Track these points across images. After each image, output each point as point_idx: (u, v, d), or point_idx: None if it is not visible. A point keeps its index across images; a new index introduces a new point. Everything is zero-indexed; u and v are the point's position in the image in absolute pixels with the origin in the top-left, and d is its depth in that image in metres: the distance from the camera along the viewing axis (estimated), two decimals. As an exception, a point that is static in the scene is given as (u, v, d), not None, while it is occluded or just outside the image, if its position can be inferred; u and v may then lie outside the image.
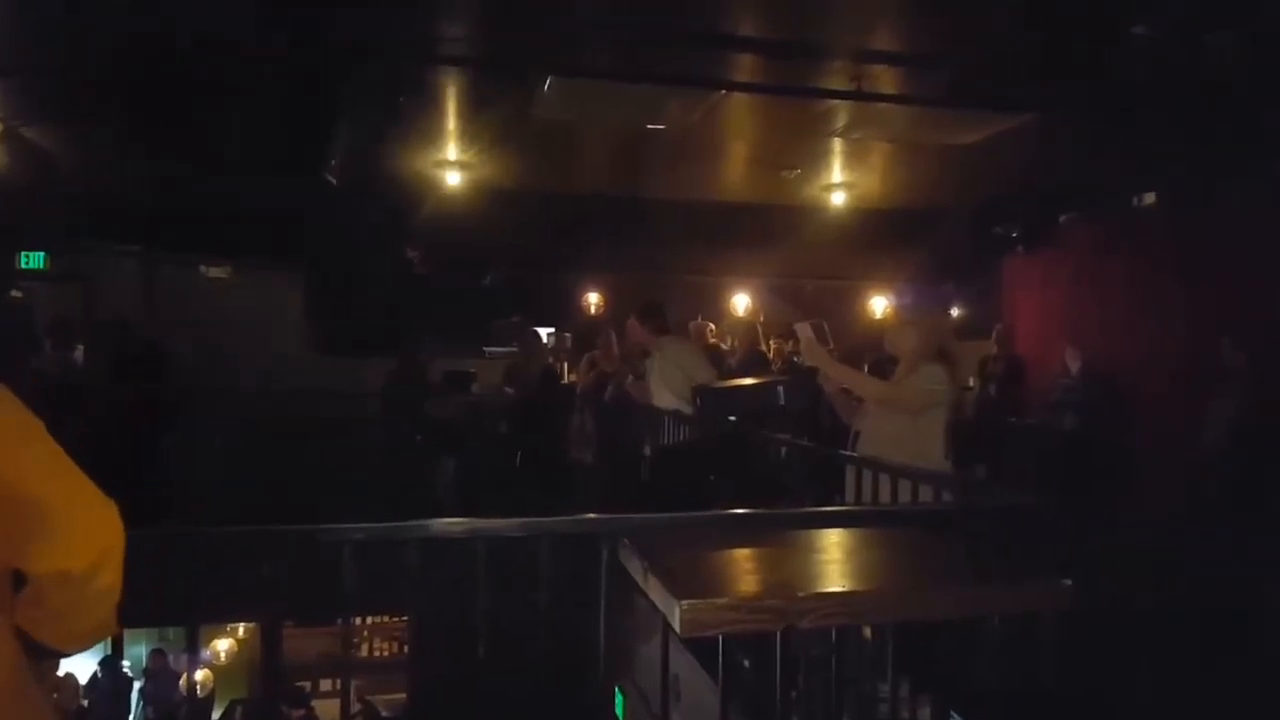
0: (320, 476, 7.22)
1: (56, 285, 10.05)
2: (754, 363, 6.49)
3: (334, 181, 6.00)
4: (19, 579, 1.47)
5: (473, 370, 7.72)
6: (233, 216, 9.22)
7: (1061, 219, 10.25)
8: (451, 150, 8.02)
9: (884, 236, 10.14)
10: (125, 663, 8.79)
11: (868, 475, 3.39)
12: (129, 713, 8.90)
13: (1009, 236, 10.48)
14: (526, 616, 2.53)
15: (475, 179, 8.53)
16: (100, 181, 9.03)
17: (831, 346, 3.77)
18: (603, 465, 6.45)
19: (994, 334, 9.32)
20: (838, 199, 9.30)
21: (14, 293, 10.10)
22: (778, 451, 3.98)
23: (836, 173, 8.87)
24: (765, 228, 9.87)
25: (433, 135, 7.50)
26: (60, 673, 8.55)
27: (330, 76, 5.77)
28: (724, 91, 6.44)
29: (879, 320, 10.72)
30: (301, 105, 5.95)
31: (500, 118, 7.08)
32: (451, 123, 7.19)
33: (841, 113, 6.97)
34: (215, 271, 10.53)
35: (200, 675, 8.24)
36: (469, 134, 7.48)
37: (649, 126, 7.28)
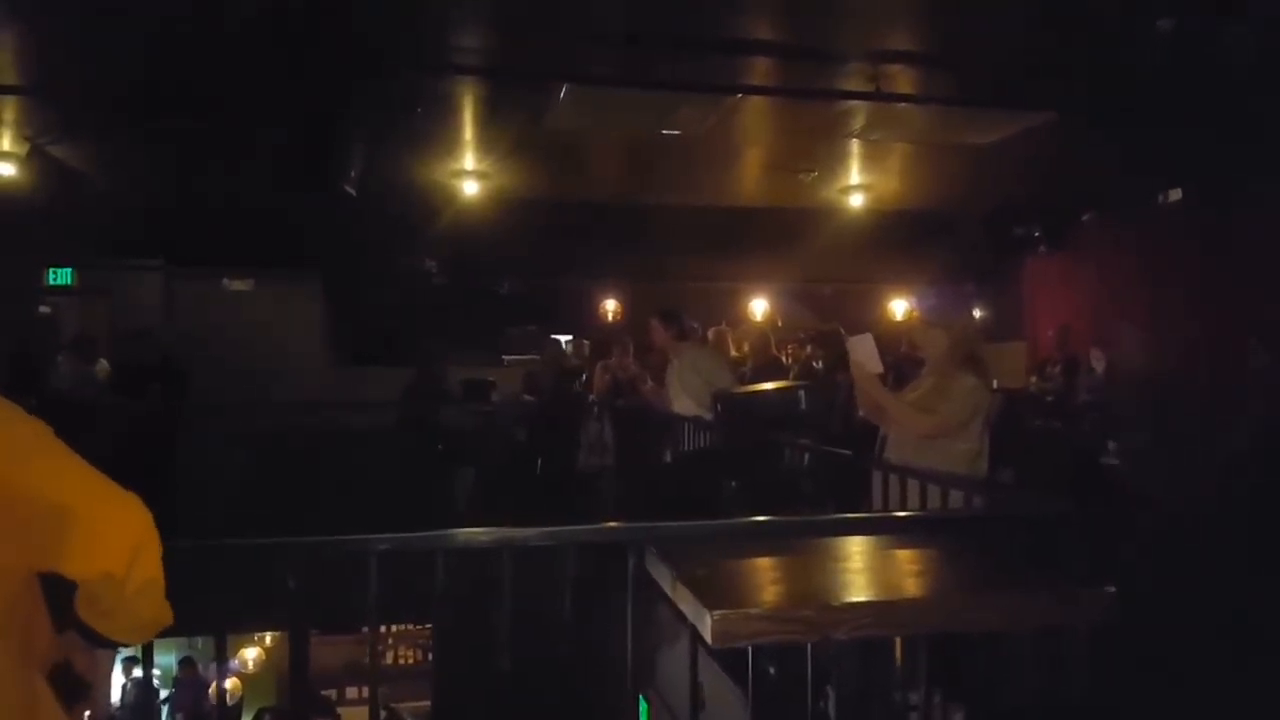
0: (340, 487, 7.23)
1: (83, 300, 10.16)
2: (769, 369, 6.44)
3: (353, 193, 6.01)
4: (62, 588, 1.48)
5: (492, 379, 7.71)
6: (253, 229, 9.30)
7: (1084, 218, 10.17)
8: (468, 160, 8.03)
9: (903, 238, 10.06)
10: (155, 672, 8.81)
11: (894, 480, 3.33)
12: (157, 721, 8.95)
13: (1030, 236, 10.40)
14: (551, 625, 2.51)
15: (492, 188, 8.53)
16: (124, 197, 9.10)
17: (881, 369, 3.66)
18: (622, 472, 6.42)
19: (1055, 334, 9.34)
20: (856, 201, 9.21)
21: (42, 308, 10.23)
22: (801, 457, 3.94)
23: (854, 174, 8.79)
24: (783, 231, 9.80)
25: (450, 146, 7.51)
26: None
27: (347, 88, 5.77)
28: (739, 95, 6.40)
29: (899, 323, 10.64)
30: (319, 118, 5.96)
31: (515, 127, 7.08)
32: (468, 133, 7.19)
33: (859, 114, 6.91)
34: (237, 284, 10.59)
35: (229, 684, 8.25)
36: (485, 144, 7.49)
37: (664, 133, 7.26)
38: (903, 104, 6.60)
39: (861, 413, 3.89)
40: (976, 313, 10.59)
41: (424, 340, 8.03)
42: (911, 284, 11.18)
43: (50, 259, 9.88)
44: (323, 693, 10.20)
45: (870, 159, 8.38)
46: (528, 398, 7.19)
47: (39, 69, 6.38)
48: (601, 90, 6.30)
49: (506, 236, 9.23)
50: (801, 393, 3.97)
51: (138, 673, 8.63)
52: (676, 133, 7.24)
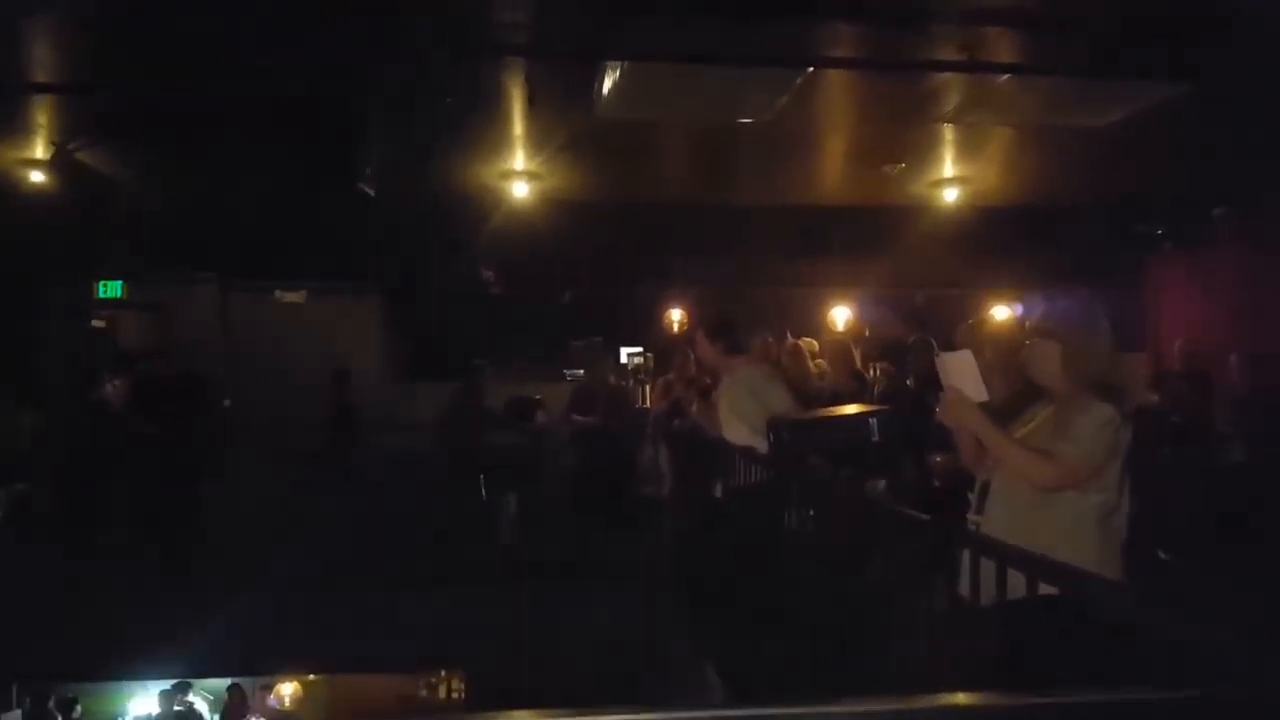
0: (375, 514, 6.70)
1: (135, 313, 9.98)
2: (849, 388, 5.59)
3: (371, 193, 5.50)
4: None
5: (538, 397, 7.09)
6: (306, 240, 8.97)
7: (1216, 212, 9.00)
8: (517, 159, 7.45)
9: (1006, 238, 9.18)
10: (207, 698, 8.45)
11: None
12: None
13: (1153, 234, 9.33)
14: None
15: (545, 190, 8.02)
16: (174, 208, 8.87)
17: (986, 397, 2.74)
18: (675, 504, 5.66)
19: (1176, 349, 8.11)
20: (950, 196, 8.45)
21: (95, 322, 10.09)
22: (864, 505, 3.08)
23: (948, 165, 8.01)
24: (867, 231, 9.06)
25: (494, 142, 6.97)
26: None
27: (366, 73, 5.22)
28: (811, 70, 5.58)
29: (1002, 334, 9.55)
30: (335, 106, 5.43)
31: (564, 118, 6.46)
32: (511, 126, 6.62)
33: (951, 92, 6.11)
34: (290, 297, 10.29)
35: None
36: (533, 139, 6.89)
37: (729, 121, 6.54)
38: (1003, 77, 5.71)
39: (941, 461, 2.98)
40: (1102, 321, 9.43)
41: (479, 354, 7.46)
42: (1016, 290, 10.10)
43: (100, 272, 9.65)
44: None
45: (966, 147, 7.57)
46: (576, 417, 6.50)
47: (72, 65, 6.05)
48: (656, 69, 5.59)
49: (566, 243, 8.66)
50: (873, 420, 3.12)
51: (191, 697, 8.26)
52: (745, 120, 6.50)
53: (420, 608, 6.09)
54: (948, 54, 5.36)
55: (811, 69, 5.59)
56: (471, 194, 8.08)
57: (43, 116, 6.76)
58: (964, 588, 2.50)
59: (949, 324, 9.24)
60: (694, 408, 4.81)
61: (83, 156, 7.30)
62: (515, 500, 6.67)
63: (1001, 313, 10.20)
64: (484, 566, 6.26)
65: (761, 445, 3.76)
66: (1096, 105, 6.25)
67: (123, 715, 8.54)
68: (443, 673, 8.37)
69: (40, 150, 7.14)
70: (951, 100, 6.21)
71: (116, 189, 8.30)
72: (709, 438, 4.65)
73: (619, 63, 5.55)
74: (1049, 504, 2.65)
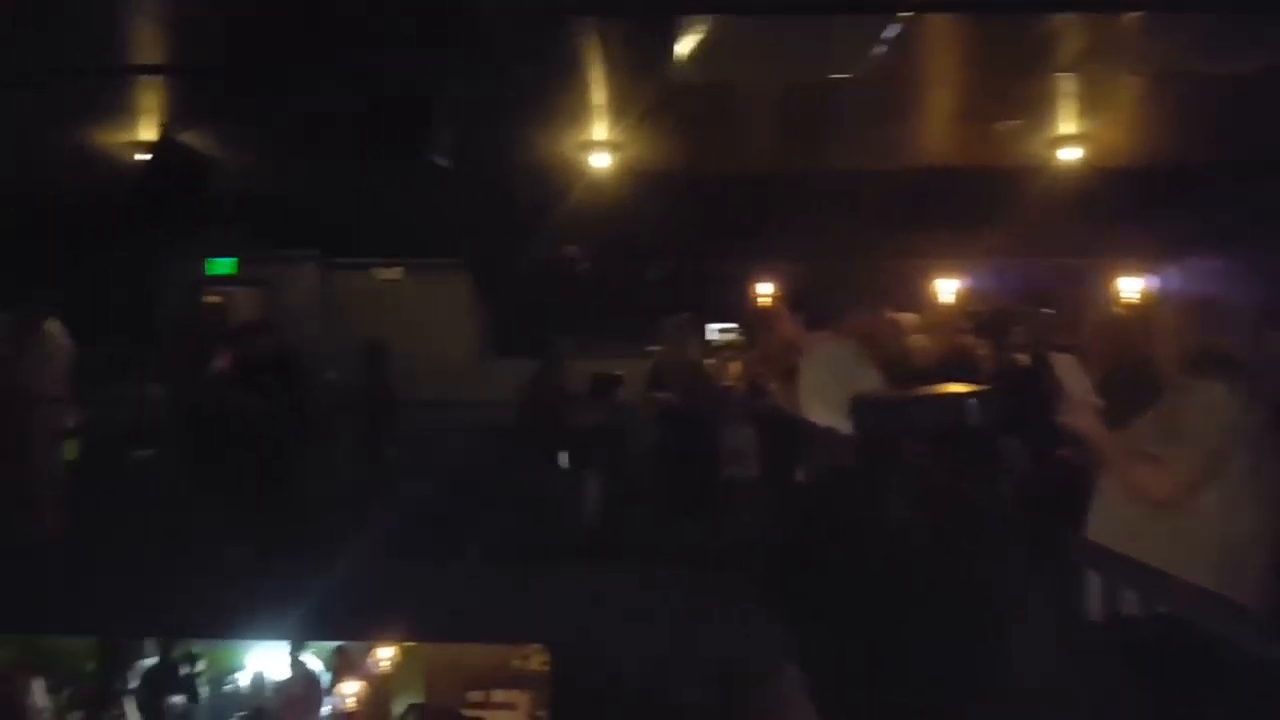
0: (460, 489, 6.62)
1: (244, 290, 10.23)
2: (954, 366, 5.11)
3: (446, 164, 5.35)
4: None
5: (620, 374, 6.83)
6: (399, 216, 8.96)
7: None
8: (596, 129, 7.19)
9: (1133, 201, 8.41)
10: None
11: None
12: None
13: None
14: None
15: (627, 161, 7.79)
16: (280, 186, 9.00)
17: (1097, 402, 2.33)
18: (759, 488, 5.32)
19: None
20: (1070, 155, 7.88)
21: (210, 297, 10.42)
22: (963, 495, 2.67)
23: (1068, 121, 7.45)
24: (977, 196, 8.41)
25: (569, 111, 6.74)
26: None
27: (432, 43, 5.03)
28: (909, 16, 5.09)
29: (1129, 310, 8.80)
30: (402, 79, 5.27)
31: (641, 83, 6.19)
32: (586, 93, 6.38)
33: (1071, 36, 5.55)
34: (387, 274, 10.34)
35: (355, 688, 7.93)
36: (610, 107, 6.63)
37: (817, 77, 6.09)
38: (1130, 15, 5.07)
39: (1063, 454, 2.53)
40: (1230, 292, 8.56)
41: (550, 332, 7.30)
42: (1145, 259, 9.29)
43: (212, 248, 9.90)
44: (469, 694, 9.99)
45: (1087, 100, 6.97)
46: (656, 395, 6.21)
47: (178, 46, 6.11)
48: (734, 22, 5.21)
49: (651, 216, 8.38)
50: (972, 402, 2.70)
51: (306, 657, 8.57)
52: (835, 75, 6.04)
53: (504, 581, 6.09)
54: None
55: (909, 13, 5.09)
56: (553, 166, 7.93)
57: (151, 98, 6.88)
58: (1071, 600, 2.09)
59: (1070, 297, 8.62)
60: (773, 386, 4.46)
61: (189, 137, 7.43)
62: (596, 478, 6.45)
63: (1128, 284, 9.40)
64: (564, 544, 6.15)
65: (844, 427, 3.38)
66: (1237, 49, 5.68)
67: (241, 668, 8.93)
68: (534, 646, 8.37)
69: (150, 132, 7.29)
70: (1072, 46, 5.69)
71: (222, 169, 8.47)
72: (791, 418, 4.29)
73: (694, 19, 5.19)
74: (1166, 522, 2.20)
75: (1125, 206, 8.55)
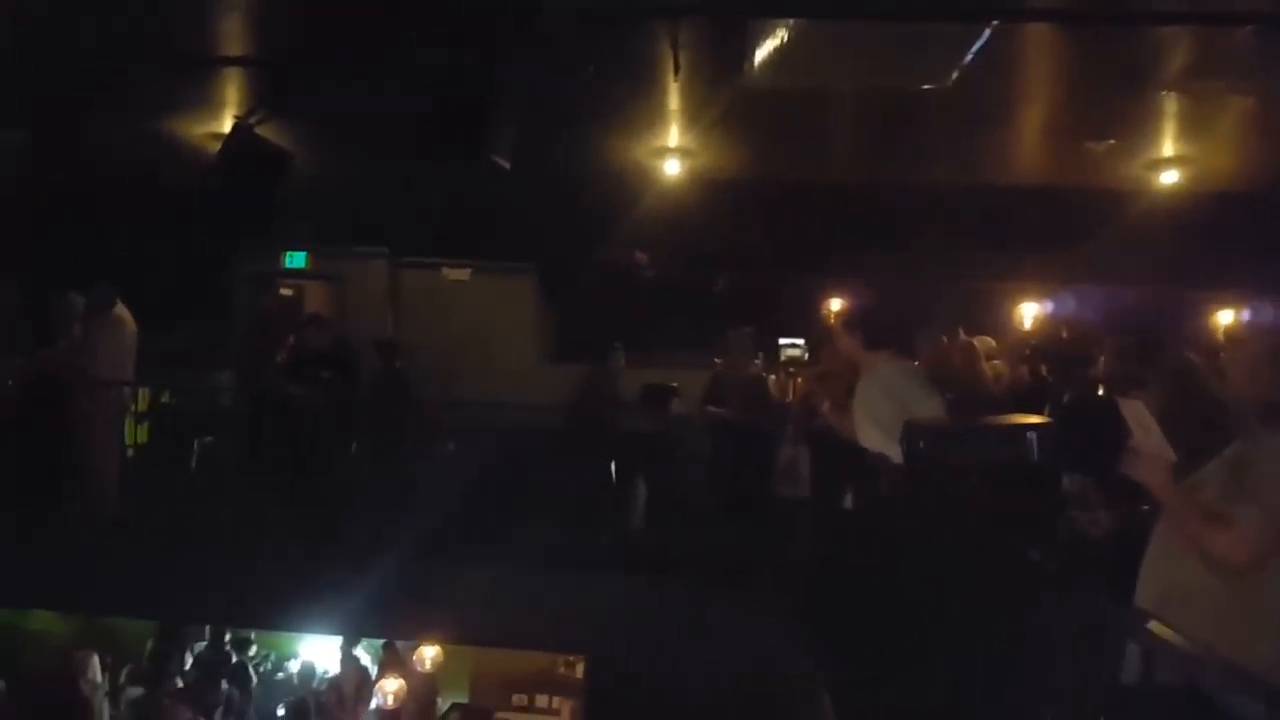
0: (508, 491, 6.58)
1: (317, 284, 10.41)
2: (1028, 395, 4.83)
3: (506, 165, 5.28)
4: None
5: (674, 385, 6.69)
6: (468, 216, 8.98)
7: None
8: (670, 135, 7.14)
9: (1236, 228, 7.91)
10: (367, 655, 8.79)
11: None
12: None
13: None
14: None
15: (699, 168, 7.65)
16: (351, 184, 9.11)
17: (1173, 456, 2.08)
18: (810, 509, 5.12)
19: None
20: (1169, 178, 7.49)
21: (283, 290, 10.60)
22: (1008, 549, 2.44)
23: (1168, 143, 7.05)
24: (1067, 218, 8.12)
25: (641, 116, 6.69)
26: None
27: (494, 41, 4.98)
28: (998, 26, 4.84)
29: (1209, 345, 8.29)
30: (464, 77, 5.22)
31: (715, 88, 6.05)
32: (659, 98, 6.29)
33: (1175, 50, 5.16)
34: (455, 274, 10.39)
35: (394, 686, 7.94)
36: (683, 113, 6.53)
37: (900, 89, 5.87)
38: (1241, 29, 4.71)
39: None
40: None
41: (618, 338, 7.20)
42: (1237, 292, 8.77)
43: (286, 242, 10.08)
44: (514, 696, 10.04)
45: (1190, 120, 6.56)
46: (710, 409, 6.06)
47: (251, 39, 6.21)
48: (814, 28, 5.03)
49: (721, 225, 8.27)
50: (1032, 436, 2.47)
51: (357, 652, 8.69)
52: (921, 86, 5.81)
53: (548, 587, 6.03)
54: (1172, 3, 4.51)
55: (998, 23, 4.83)
56: (624, 172, 7.82)
57: (229, 89, 7.00)
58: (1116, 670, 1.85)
59: (1160, 328, 8.16)
60: (825, 406, 4.24)
61: (264, 130, 7.56)
62: (644, 488, 6.32)
63: (1225, 316, 8.86)
64: (610, 551, 6.07)
65: (896, 454, 3.17)
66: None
67: (293, 657, 9.08)
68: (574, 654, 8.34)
69: (225, 124, 7.44)
70: (1175, 61, 5.33)
71: (296, 164, 8.61)
72: (845, 440, 4.08)
73: (773, 23, 5.02)
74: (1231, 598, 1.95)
75: (1221, 235, 8.09)
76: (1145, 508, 2.16)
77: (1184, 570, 2.06)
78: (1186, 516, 2.07)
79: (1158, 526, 2.14)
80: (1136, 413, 2.12)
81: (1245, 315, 8.80)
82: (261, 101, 6.96)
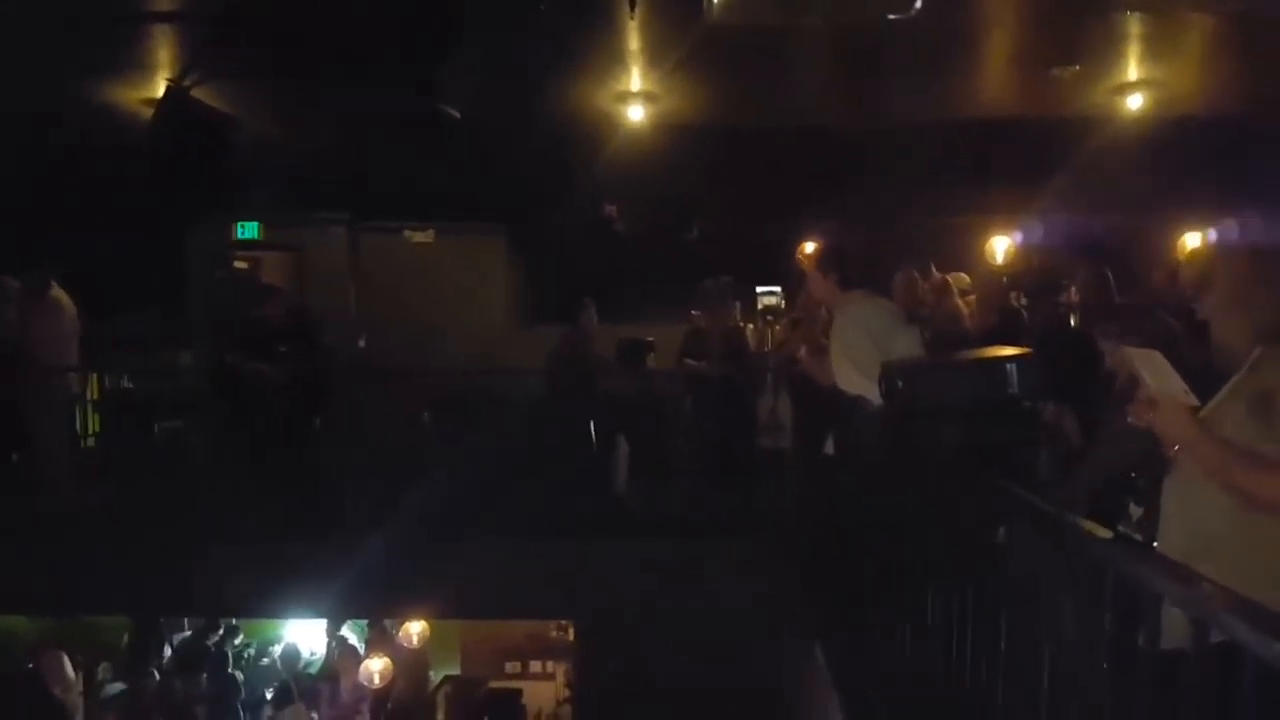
0: (488, 456, 6.46)
1: (271, 255, 10.11)
2: (1003, 330, 4.78)
3: (456, 115, 5.10)
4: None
5: (650, 339, 6.59)
6: (429, 176, 8.74)
7: None
8: (631, 79, 6.87)
9: (1203, 154, 7.90)
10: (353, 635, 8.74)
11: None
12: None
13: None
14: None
15: (664, 113, 7.48)
16: (306, 149, 8.82)
17: (1195, 401, 2.02)
18: (793, 459, 5.07)
19: None
20: (1135, 103, 7.43)
21: (237, 263, 10.29)
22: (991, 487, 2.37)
23: (1132, 67, 6.97)
24: (1034, 149, 8.04)
25: (599, 58, 6.43)
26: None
27: None
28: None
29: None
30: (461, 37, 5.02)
31: (676, 28, 5.84)
32: (615, 37, 6.05)
33: None
34: (418, 236, 10.15)
35: (380, 665, 7.90)
36: (643, 53, 6.30)
37: (865, 21, 5.72)
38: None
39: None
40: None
41: (575, 297, 7.06)
42: (1214, 214, 8.75)
43: (238, 213, 9.77)
44: (507, 664, 10.07)
45: (1155, 42, 6.52)
46: (689, 361, 5.97)
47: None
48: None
49: (690, 172, 8.06)
50: (1011, 366, 2.41)
51: (345, 631, 8.65)
52: (886, 15, 5.65)
53: (531, 555, 5.94)
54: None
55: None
56: (587, 121, 7.62)
57: (161, 51, 6.67)
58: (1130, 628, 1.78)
59: (1132, 255, 8.14)
60: (801, 353, 4.17)
61: (203, 94, 7.23)
62: (626, 448, 6.24)
63: (1195, 240, 8.85)
64: (593, 516, 5.98)
65: (875, 395, 3.11)
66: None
67: (277, 642, 9.01)
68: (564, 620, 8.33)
69: (159, 89, 7.10)
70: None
71: (245, 130, 8.30)
72: (825, 386, 4.02)
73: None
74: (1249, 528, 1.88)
75: (1193, 159, 8.05)
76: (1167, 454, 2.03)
77: (1210, 520, 1.97)
78: (1228, 465, 1.95)
79: (1170, 477, 2.04)
80: (1153, 361, 2.00)
81: (1212, 236, 8.80)
82: (196, 61, 6.65)
